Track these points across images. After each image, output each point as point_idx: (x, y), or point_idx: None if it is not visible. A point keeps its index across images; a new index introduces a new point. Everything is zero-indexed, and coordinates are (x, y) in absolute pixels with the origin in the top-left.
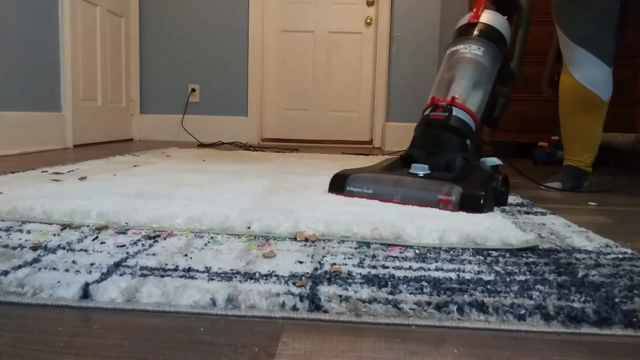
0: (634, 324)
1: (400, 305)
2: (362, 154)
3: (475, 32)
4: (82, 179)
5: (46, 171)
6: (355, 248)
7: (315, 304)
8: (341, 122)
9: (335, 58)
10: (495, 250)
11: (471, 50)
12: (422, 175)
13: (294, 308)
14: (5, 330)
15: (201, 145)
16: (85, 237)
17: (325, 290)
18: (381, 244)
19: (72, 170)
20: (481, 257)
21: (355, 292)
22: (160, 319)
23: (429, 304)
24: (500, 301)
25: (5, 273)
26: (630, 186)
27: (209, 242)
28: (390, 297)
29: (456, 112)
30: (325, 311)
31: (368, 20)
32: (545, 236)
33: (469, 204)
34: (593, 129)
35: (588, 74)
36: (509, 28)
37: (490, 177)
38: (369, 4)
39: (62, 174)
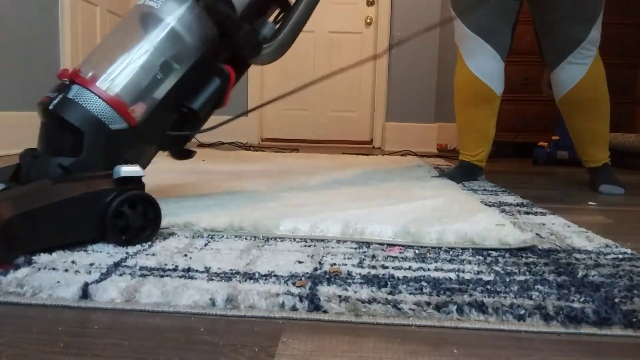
0: (633, 324)
1: (400, 306)
2: (362, 154)
3: None
4: None
5: None
6: (355, 248)
7: (314, 304)
8: (341, 122)
9: (335, 58)
10: (495, 250)
11: (149, 2)
12: None
13: (294, 308)
14: (5, 330)
15: (201, 145)
16: None
17: (325, 290)
18: (380, 244)
19: None
20: (481, 257)
21: (355, 292)
22: (160, 319)
23: (428, 304)
24: (499, 301)
25: (5, 273)
26: (630, 186)
27: (208, 242)
28: (389, 297)
29: (78, 92)
30: (325, 311)
31: (368, 20)
32: (544, 236)
33: None
34: (486, 124)
35: (483, 66)
36: None
37: (94, 196)
38: (369, 4)
39: None
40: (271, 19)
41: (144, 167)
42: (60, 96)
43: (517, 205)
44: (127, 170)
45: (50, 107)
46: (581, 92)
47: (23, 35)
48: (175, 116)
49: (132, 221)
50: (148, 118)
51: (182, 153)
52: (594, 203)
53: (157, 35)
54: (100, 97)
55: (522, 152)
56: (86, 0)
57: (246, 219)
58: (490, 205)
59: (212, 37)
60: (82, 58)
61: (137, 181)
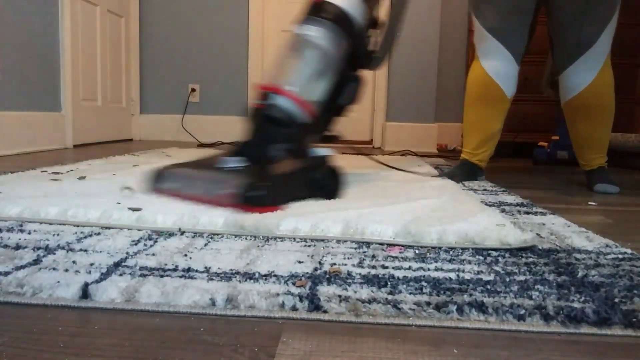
0: (633, 324)
1: (400, 306)
2: (362, 154)
3: (316, 12)
4: (81, 178)
5: (45, 171)
6: (355, 248)
7: (314, 304)
8: (341, 122)
9: None
10: (495, 250)
11: (309, 32)
12: (226, 168)
13: (294, 308)
14: (5, 330)
15: (201, 145)
16: (85, 237)
17: (325, 290)
18: (380, 244)
19: (72, 170)
20: (481, 257)
21: (355, 292)
22: (160, 319)
23: (428, 304)
24: (499, 301)
25: (6, 273)
26: (631, 186)
27: (208, 242)
28: (389, 297)
29: (278, 99)
30: (325, 311)
31: None
32: (545, 236)
33: (251, 198)
34: (492, 124)
35: (496, 65)
36: (363, 8)
37: (307, 170)
38: None
39: (62, 173)
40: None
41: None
42: (267, 103)
43: (517, 205)
44: (324, 151)
45: (264, 111)
46: (587, 99)
47: (23, 35)
48: (329, 114)
49: (330, 185)
50: (318, 113)
51: (329, 138)
52: (594, 203)
53: (315, 53)
54: (292, 100)
55: (522, 152)
56: (86, 0)
57: (247, 218)
58: (490, 205)
59: (346, 52)
60: (82, 58)
61: (326, 158)
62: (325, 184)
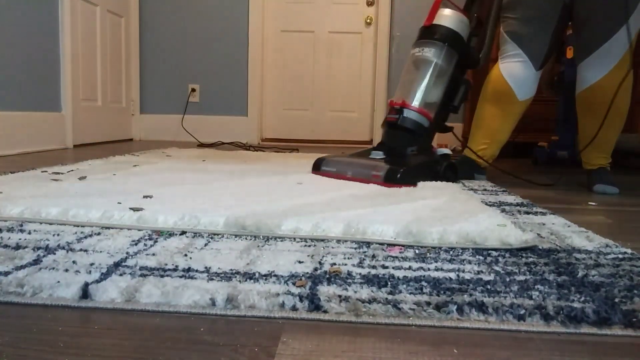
0: (633, 324)
1: (400, 306)
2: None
3: (429, 35)
4: (81, 178)
5: (46, 171)
6: (355, 248)
7: (314, 304)
8: (341, 122)
9: (335, 58)
10: (495, 250)
11: (423, 53)
12: (376, 158)
13: (294, 308)
14: (5, 330)
15: (201, 145)
16: (85, 237)
17: (325, 290)
18: (380, 244)
19: (72, 170)
20: (481, 257)
21: (355, 292)
22: (160, 319)
23: (428, 304)
24: (500, 301)
25: (6, 273)
26: (631, 186)
27: (208, 242)
28: (389, 297)
29: (407, 113)
30: (325, 311)
31: (368, 20)
32: (545, 236)
33: (390, 177)
34: (499, 123)
35: (511, 67)
36: (465, 22)
37: (433, 162)
38: (369, 4)
39: (62, 173)
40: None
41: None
42: (399, 116)
43: (517, 205)
44: (443, 150)
45: (398, 122)
46: (594, 94)
47: (23, 35)
48: (445, 111)
49: (448, 175)
50: (435, 115)
51: (446, 129)
52: (594, 203)
53: (430, 70)
54: (416, 112)
55: (522, 152)
56: (86, 0)
57: (248, 218)
58: (490, 205)
59: (457, 61)
60: (82, 58)
61: (449, 155)
62: (445, 174)
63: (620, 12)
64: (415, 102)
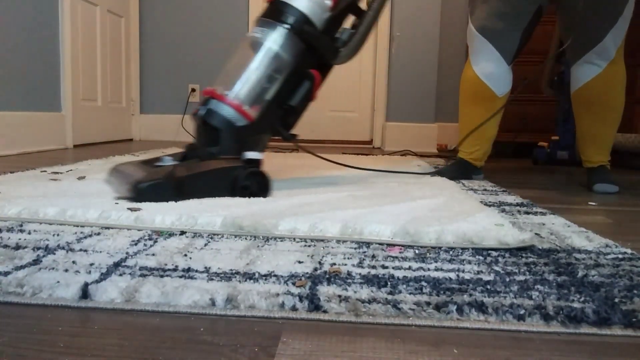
0: (633, 324)
1: (400, 306)
2: (362, 154)
3: (271, 14)
4: (80, 178)
5: (45, 171)
6: (354, 248)
7: (314, 304)
8: (341, 122)
9: None
10: (495, 250)
11: (258, 34)
12: (155, 165)
13: (294, 308)
14: (5, 330)
15: None
16: (85, 237)
17: (325, 290)
18: (380, 244)
19: (71, 170)
20: (481, 257)
21: (355, 292)
22: (160, 319)
23: (428, 304)
24: (499, 301)
25: (6, 273)
26: (630, 186)
27: (208, 242)
28: (389, 297)
29: (214, 106)
30: (325, 311)
31: None
32: (544, 236)
33: (134, 192)
34: (485, 123)
35: (485, 67)
36: (321, 4)
37: (227, 170)
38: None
39: (61, 173)
40: (349, 24)
41: (262, 150)
42: (206, 108)
43: (517, 205)
44: (250, 154)
45: (202, 115)
46: (591, 91)
47: (23, 35)
48: (280, 112)
49: (251, 186)
50: (261, 115)
51: (288, 137)
52: (594, 203)
53: (263, 57)
54: (229, 105)
55: (522, 152)
56: (86, 0)
57: (246, 218)
58: (490, 205)
59: (301, 51)
60: (82, 58)
61: (257, 161)
62: (245, 185)
63: (611, 13)
64: (231, 94)
